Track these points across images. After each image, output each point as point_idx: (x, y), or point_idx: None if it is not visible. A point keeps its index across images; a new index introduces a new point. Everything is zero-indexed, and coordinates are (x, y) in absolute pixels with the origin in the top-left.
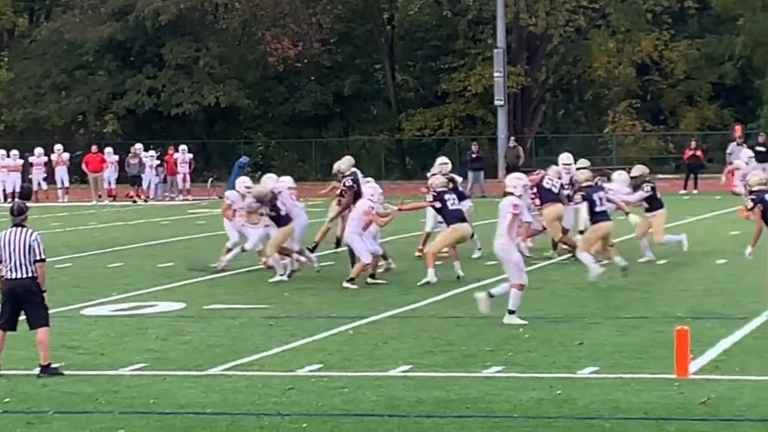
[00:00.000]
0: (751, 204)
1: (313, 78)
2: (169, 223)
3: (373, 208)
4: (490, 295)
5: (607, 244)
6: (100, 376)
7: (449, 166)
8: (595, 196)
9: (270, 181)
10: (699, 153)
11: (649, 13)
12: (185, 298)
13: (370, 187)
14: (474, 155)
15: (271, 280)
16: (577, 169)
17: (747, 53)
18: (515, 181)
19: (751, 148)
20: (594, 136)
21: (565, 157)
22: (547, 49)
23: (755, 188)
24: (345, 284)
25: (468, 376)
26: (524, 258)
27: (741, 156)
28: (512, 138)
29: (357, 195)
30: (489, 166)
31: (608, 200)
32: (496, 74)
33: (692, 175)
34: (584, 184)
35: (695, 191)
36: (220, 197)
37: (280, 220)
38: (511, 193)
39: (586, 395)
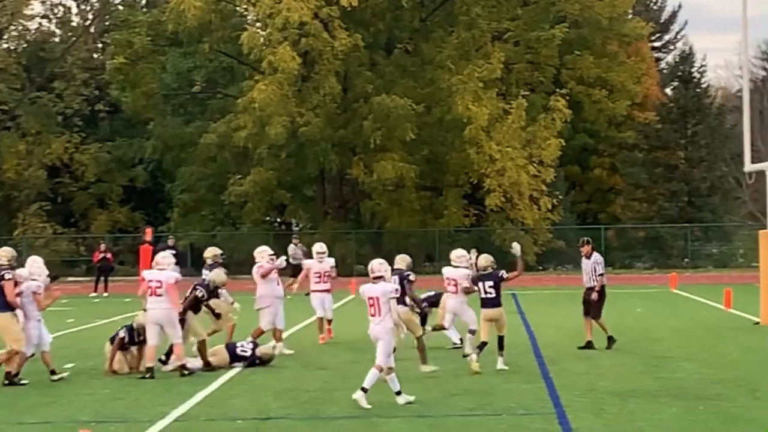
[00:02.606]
0: None
1: None
2: None
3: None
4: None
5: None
6: None
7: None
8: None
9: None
10: (109, 255)
11: (59, 115)
12: None
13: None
14: None
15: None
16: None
17: (157, 156)
18: None
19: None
20: (4, 238)
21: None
22: None
23: None
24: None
25: None
26: None
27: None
28: None
29: None
30: None
31: None
32: None
33: (102, 278)
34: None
35: (105, 294)
36: None
37: None
38: None
39: None
